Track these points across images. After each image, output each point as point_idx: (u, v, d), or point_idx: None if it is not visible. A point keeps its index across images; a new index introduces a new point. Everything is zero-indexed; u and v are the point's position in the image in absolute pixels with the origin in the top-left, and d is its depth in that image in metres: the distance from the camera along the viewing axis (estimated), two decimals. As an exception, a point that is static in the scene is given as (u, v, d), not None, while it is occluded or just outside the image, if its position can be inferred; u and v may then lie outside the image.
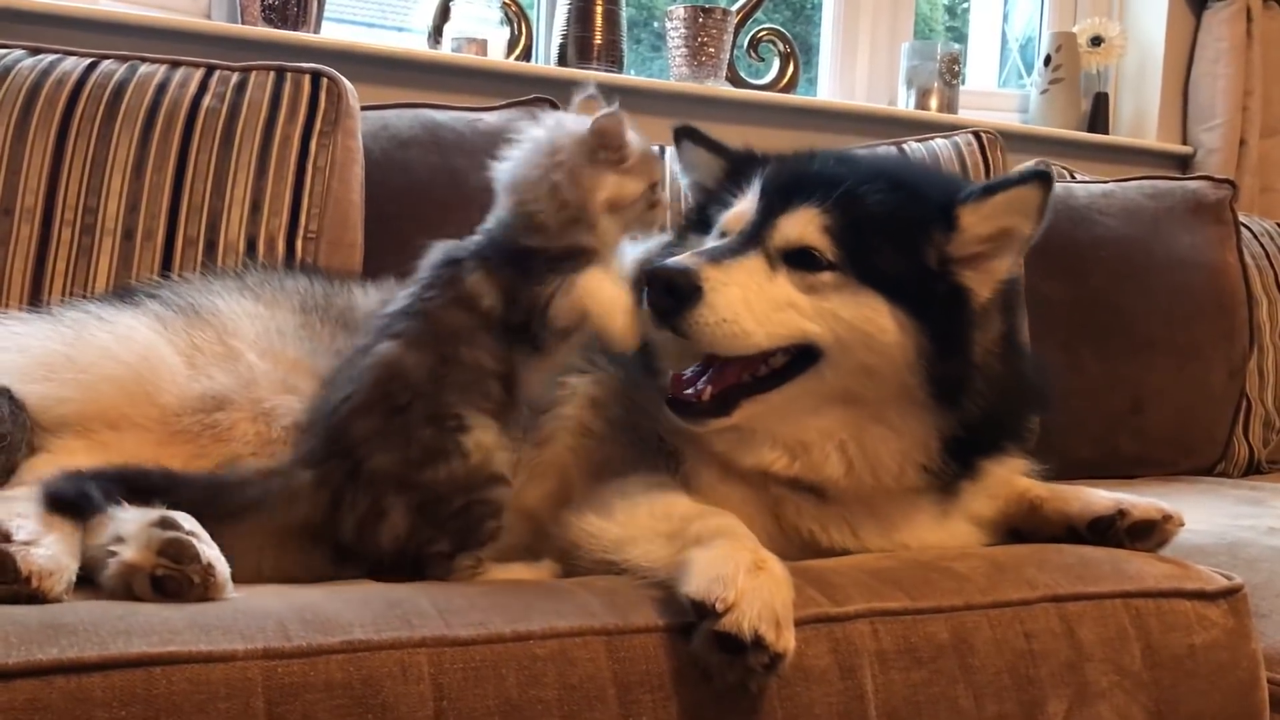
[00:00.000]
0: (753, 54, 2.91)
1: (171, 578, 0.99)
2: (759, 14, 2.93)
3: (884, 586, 1.13)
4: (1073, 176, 2.69)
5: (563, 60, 2.65)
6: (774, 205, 1.26)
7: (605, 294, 1.16)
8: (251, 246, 1.73)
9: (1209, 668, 1.22)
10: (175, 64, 1.84)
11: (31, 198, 1.69)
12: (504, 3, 2.63)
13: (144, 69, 1.81)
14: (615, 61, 2.67)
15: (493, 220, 1.24)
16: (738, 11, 2.84)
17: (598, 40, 2.65)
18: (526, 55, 2.67)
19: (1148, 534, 1.31)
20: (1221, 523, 1.77)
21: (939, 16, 3.78)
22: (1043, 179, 1.26)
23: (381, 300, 1.32)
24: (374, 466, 1.12)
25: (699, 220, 1.40)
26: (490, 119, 2.14)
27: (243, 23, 2.34)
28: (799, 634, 1.00)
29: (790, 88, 2.88)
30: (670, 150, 1.64)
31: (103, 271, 1.69)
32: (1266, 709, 1.25)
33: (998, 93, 3.44)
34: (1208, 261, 2.48)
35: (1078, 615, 1.17)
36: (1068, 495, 1.35)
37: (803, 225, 1.23)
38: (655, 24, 3.18)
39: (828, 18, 3.12)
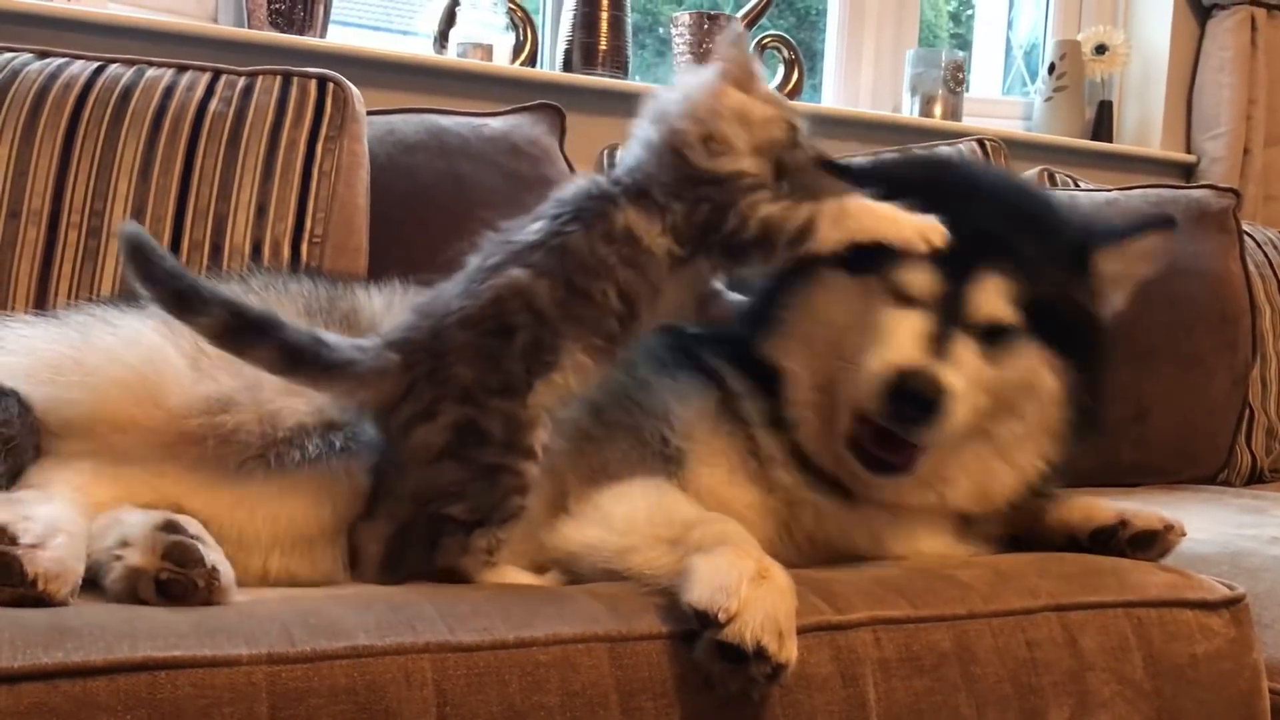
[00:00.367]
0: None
1: (176, 581, 0.99)
2: (764, 20, 2.94)
3: (887, 594, 1.13)
4: (1076, 185, 2.70)
5: (568, 66, 2.66)
6: (958, 271, 1.21)
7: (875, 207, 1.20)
8: (257, 250, 1.73)
9: (1211, 677, 1.22)
10: (182, 68, 1.85)
11: (38, 200, 1.70)
12: (509, 8, 2.63)
13: (151, 73, 1.82)
14: (620, 67, 2.68)
15: (633, 161, 1.25)
16: (743, 18, 2.84)
17: (603, 46, 2.65)
18: (532, 61, 2.68)
19: (1149, 544, 1.31)
20: (1224, 532, 1.77)
21: (943, 24, 3.78)
22: (1170, 226, 1.32)
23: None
24: (453, 373, 1.13)
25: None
26: (495, 124, 2.14)
27: (249, 27, 2.35)
28: (801, 641, 1.00)
29: (795, 94, 2.88)
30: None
31: (108, 275, 1.69)
32: (1268, 719, 1.25)
33: (1002, 100, 3.45)
34: (1211, 270, 2.48)
35: (1080, 624, 1.18)
36: (1069, 505, 1.35)
37: (996, 300, 1.22)
38: (660, 30, 3.18)
39: (832, 24, 3.13)
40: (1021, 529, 1.36)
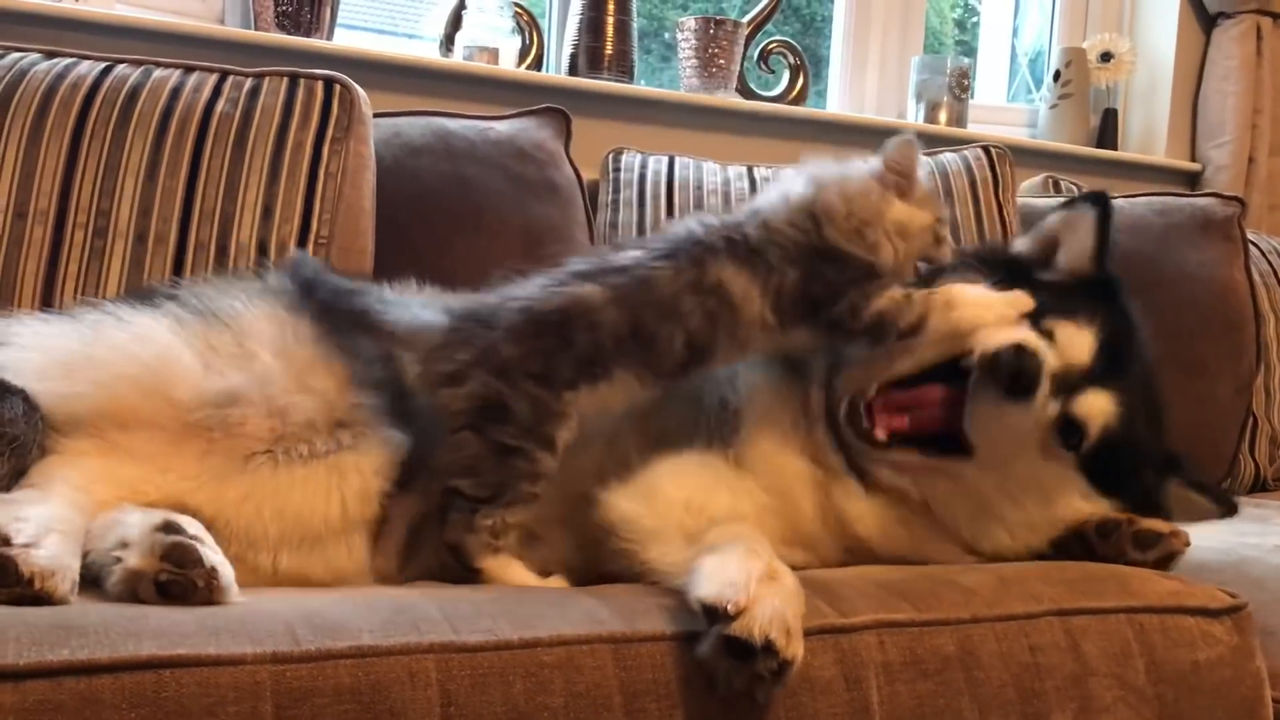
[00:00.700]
0: (763, 66, 2.92)
1: (176, 582, 1.00)
2: (769, 26, 2.94)
3: (891, 598, 1.13)
4: (1080, 192, 2.70)
5: (574, 70, 2.67)
6: (1095, 374, 1.28)
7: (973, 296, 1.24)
8: (263, 251, 1.74)
9: (1213, 684, 1.22)
10: (189, 69, 1.85)
11: (45, 200, 1.70)
12: (516, 12, 2.64)
13: (158, 73, 1.83)
14: (626, 72, 2.68)
15: (766, 209, 1.26)
16: (748, 23, 2.85)
17: (609, 50, 2.66)
18: (538, 65, 2.68)
19: (1152, 544, 1.31)
20: (1227, 540, 1.77)
21: (949, 31, 3.79)
22: (1233, 510, 1.41)
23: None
24: (494, 346, 1.15)
25: (1015, 273, 1.38)
26: (501, 128, 2.15)
27: (256, 29, 2.36)
28: (805, 644, 1.00)
29: (800, 100, 2.89)
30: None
31: (114, 275, 1.70)
32: (1271, 727, 1.26)
33: (1007, 107, 3.45)
34: (1215, 278, 2.48)
35: (1082, 630, 1.18)
36: None
37: (1101, 411, 1.27)
38: (666, 35, 3.19)
39: (838, 31, 3.13)
40: None
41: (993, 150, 2.38)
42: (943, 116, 3.01)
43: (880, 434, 1.24)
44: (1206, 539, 1.69)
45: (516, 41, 2.65)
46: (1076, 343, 1.28)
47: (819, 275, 1.20)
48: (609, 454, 1.26)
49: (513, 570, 1.17)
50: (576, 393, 1.17)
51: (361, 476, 1.22)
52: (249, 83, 1.85)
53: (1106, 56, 3.24)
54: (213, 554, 1.02)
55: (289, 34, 2.35)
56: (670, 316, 1.18)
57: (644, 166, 2.29)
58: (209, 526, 1.16)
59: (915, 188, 1.25)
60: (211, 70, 1.86)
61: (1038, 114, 3.32)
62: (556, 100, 2.25)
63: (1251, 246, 2.59)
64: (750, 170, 2.32)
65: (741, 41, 2.79)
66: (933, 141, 2.67)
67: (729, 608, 0.96)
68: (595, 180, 2.29)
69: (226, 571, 1.01)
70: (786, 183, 1.29)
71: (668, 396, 1.27)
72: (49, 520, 1.03)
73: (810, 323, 1.21)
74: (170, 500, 1.16)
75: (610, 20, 2.66)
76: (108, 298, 1.52)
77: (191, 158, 1.76)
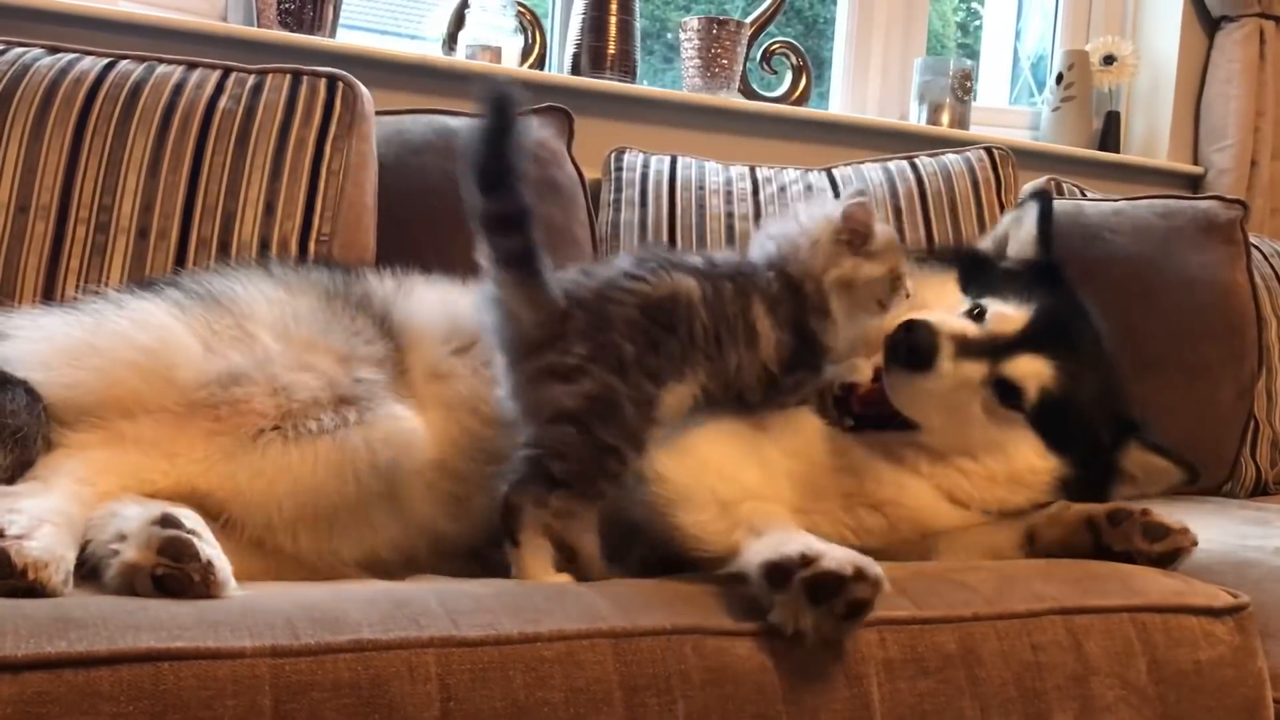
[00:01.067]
0: (765, 67, 2.92)
1: (172, 576, 1.00)
2: (772, 27, 2.94)
3: (892, 595, 1.12)
4: (1083, 194, 2.70)
5: (576, 69, 2.66)
6: (1024, 341, 1.38)
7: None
8: (265, 248, 1.74)
9: (1214, 684, 1.21)
10: (192, 65, 1.85)
11: (47, 195, 1.70)
12: (518, 11, 2.64)
13: (161, 69, 1.83)
14: (628, 71, 2.68)
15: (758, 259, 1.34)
16: (751, 24, 2.85)
17: (611, 50, 2.66)
18: (540, 64, 2.68)
19: (1161, 537, 1.32)
20: (1228, 542, 1.77)
21: (951, 33, 3.79)
22: (1192, 471, 1.48)
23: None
24: (615, 342, 1.17)
25: (973, 265, 1.53)
26: (504, 126, 2.14)
27: (259, 26, 2.36)
28: (806, 645, 1.00)
29: (802, 101, 2.89)
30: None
31: (116, 270, 1.70)
32: (1272, 728, 1.25)
33: (1009, 109, 3.45)
34: (1217, 281, 2.48)
35: (1084, 628, 1.17)
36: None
37: (1035, 373, 1.37)
38: (669, 35, 3.19)
39: (840, 32, 3.13)
40: (1041, 524, 1.38)
41: (995, 151, 2.38)
42: (945, 118, 3.01)
43: (848, 422, 1.35)
44: (1208, 541, 1.69)
45: (519, 41, 2.65)
46: (1008, 316, 1.40)
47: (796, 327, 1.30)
48: None
49: (539, 559, 1.16)
50: (668, 391, 1.21)
51: (370, 451, 1.22)
52: (251, 80, 1.85)
53: (1109, 59, 3.24)
54: (209, 548, 1.02)
55: (291, 31, 2.35)
56: (733, 333, 1.25)
57: (646, 166, 2.28)
58: (220, 510, 1.17)
59: (872, 241, 1.32)
60: (214, 67, 1.86)
61: (1040, 116, 3.32)
62: (559, 100, 2.25)
63: (1253, 250, 2.58)
64: (752, 170, 2.32)
65: (744, 42, 2.80)
66: (935, 143, 2.68)
67: (806, 554, 1.01)
68: (597, 180, 2.29)
69: (223, 566, 1.01)
70: (763, 235, 1.38)
71: None
72: (43, 512, 1.03)
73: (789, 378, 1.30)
74: (180, 486, 1.16)
75: (613, 20, 2.66)
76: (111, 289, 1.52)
77: (194, 154, 1.76)
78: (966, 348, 1.33)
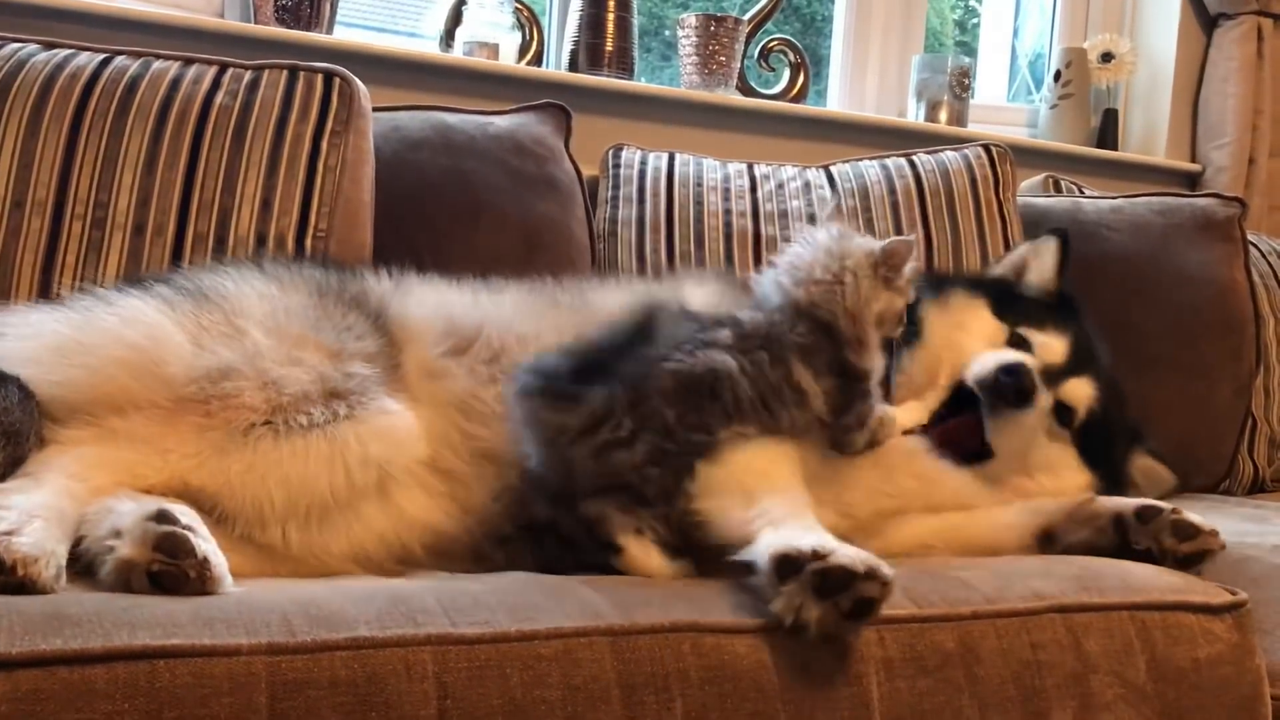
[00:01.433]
0: (763, 64, 2.91)
1: (168, 573, 0.99)
2: (770, 24, 2.94)
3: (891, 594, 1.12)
4: (1081, 191, 2.69)
5: (574, 66, 2.66)
6: (1074, 366, 1.55)
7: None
8: (261, 244, 1.73)
9: (1213, 682, 1.21)
10: (188, 61, 1.85)
11: (43, 191, 1.69)
12: (516, 8, 2.63)
13: (157, 65, 1.82)
14: (626, 68, 2.68)
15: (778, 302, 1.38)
16: (749, 21, 2.84)
17: (609, 47, 2.65)
18: (538, 60, 2.68)
19: (1190, 536, 1.34)
20: (1227, 540, 1.76)
21: (949, 30, 3.78)
22: (1177, 489, 1.62)
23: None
24: (656, 410, 1.22)
25: (1000, 294, 1.65)
26: (501, 123, 2.14)
27: (256, 22, 2.35)
28: (802, 638, 1.00)
29: (800, 98, 2.88)
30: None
31: (112, 266, 1.69)
32: (1270, 725, 1.25)
33: (1007, 107, 3.45)
34: (1215, 279, 2.48)
35: (1084, 626, 1.17)
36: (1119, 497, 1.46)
37: (1085, 395, 1.53)
38: (666, 32, 3.19)
39: (838, 30, 3.13)
40: (1060, 519, 1.41)
41: (993, 149, 2.37)
42: (943, 115, 3.00)
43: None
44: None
45: (517, 37, 2.64)
46: (1052, 346, 1.56)
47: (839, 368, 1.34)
48: None
49: (650, 556, 1.19)
50: (725, 433, 1.24)
51: (361, 444, 1.22)
52: (248, 75, 1.84)
53: (1107, 57, 3.23)
54: (205, 544, 1.01)
55: (289, 28, 2.34)
56: (778, 397, 1.28)
57: (644, 163, 2.28)
58: (212, 505, 1.17)
59: (900, 278, 1.39)
60: (211, 62, 1.85)
61: (1038, 114, 3.32)
62: (556, 96, 2.24)
63: (1251, 248, 2.58)
64: (750, 168, 2.31)
65: (742, 39, 2.79)
66: (933, 140, 2.68)
67: (818, 548, 1.02)
68: (595, 177, 2.28)
69: (219, 562, 1.01)
70: (778, 273, 1.41)
71: None
72: (33, 508, 1.02)
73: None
74: (172, 482, 1.16)
75: (611, 17, 2.65)
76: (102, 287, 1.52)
77: (190, 150, 1.76)
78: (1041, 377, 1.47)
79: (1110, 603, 1.20)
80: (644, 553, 1.18)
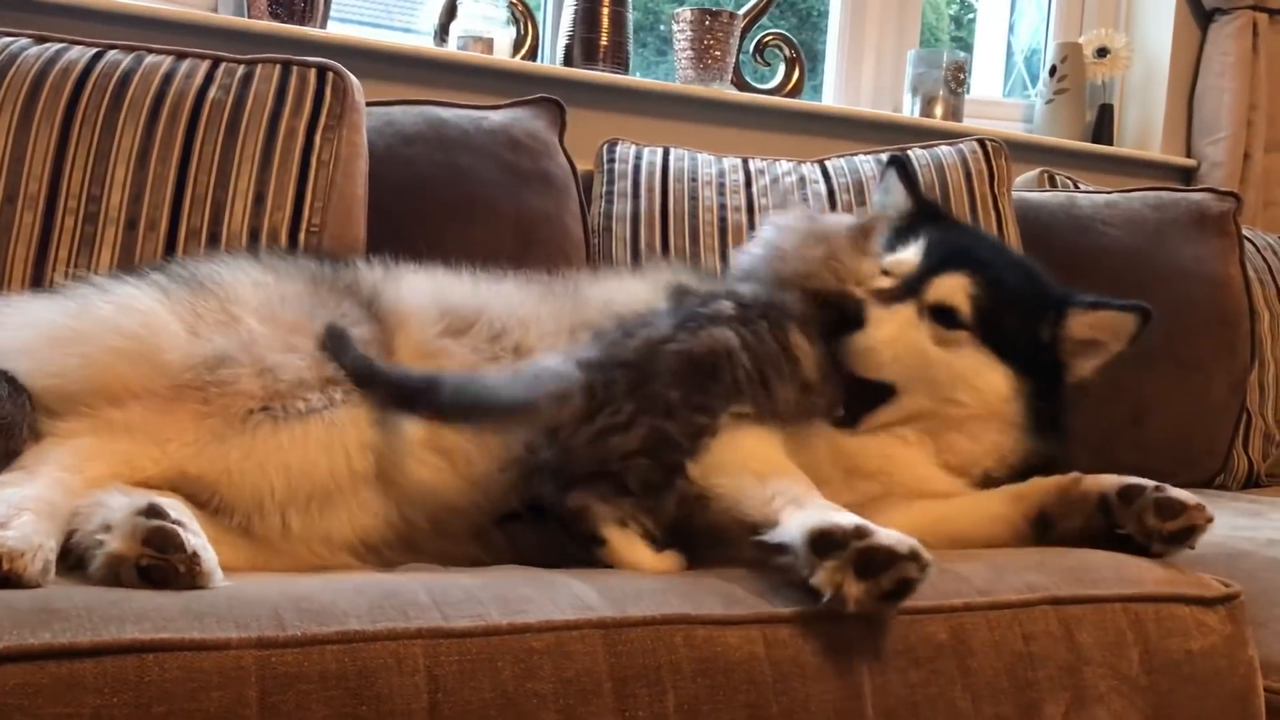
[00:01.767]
0: (759, 58, 2.91)
1: (157, 567, 0.99)
2: (765, 19, 2.93)
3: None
4: (1076, 186, 2.69)
5: (568, 61, 2.65)
6: (933, 266, 1.46)
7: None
8: (254, 238, 1.72)
9: (1206, 674, 1.21)
10: (181, 55, 1.84)
11: (35, 185, 1.69)
12: (510, 2, 2.63)
13: (150, 59, 1.81)
14: (621, 63, 2.67)
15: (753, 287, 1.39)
16: (744, 16, 2.84)
17: (604, 42, 2.65)
18: (532, 55, 2.67)
19: (1175, 514, 1.28)
20: (1221, 534, 1.76)
21: (945, 26, 3.78)
22: (1142, 313, 1.48)
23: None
24: (658, 391, 1.21)
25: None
26: (496, 117, 2.14)
27: (249, 16, 2.34)
28: (796, 630, 1.00)
29: (795, 93, 2.88)
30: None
31: (105, 261, 1.68)
32: (1262, 716, 1.25)
33: (1003, 102, 3.45)
34: (1210, 274, 2.48)
35: (1077, 618, 1.17)
36: (1105, 475, 1.38)
37: (956, 287, 1.44)
38: (661, 27, 3.18)
39: (834, 24, 3.13)
40: (1052, 501, 1.37)
41: (988, 144, 2.37)
42: (938, 110, 3.00)
43: (838, 412, 1.40)
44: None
45: (511, 32, 2.63)
46: (902, 260, 1.48)
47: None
48: None
49: (635, 548, 1.18)
50: (719, 420, 1.24)
51: (359, 429, 1.22)
52: (241, 69, 1.84)
53: (1103, 52, 3.23)
54: (195, 539, 1.01)
55: (282, 22, 2.33)
56: (777, 368, 1.30)
57: (639, 158, 2.27)
58: (211, 494, 1.16)
59: (873, 247, 1.45)
60: (204, 56, 1.85)
61: (1034, 109, 3.31)
62: (551, 91, 2.24)
63: (1246, 242, 2.58)
64: (745, 162, 2.31)
65: (737, 34, 2.79)
66: (928, 135, 2.67)
67: (860, 528, 1.03)
68: (589, 171, 2.28)
69: (209, 556, 1.01)
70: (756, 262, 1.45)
71: None
72: (23, 500, 1.02)
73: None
74: (169, 472, 1.15)
75: (605, 11, 2.65)
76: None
77: (183, 144, 1.75)
78: (886, 295, 1.42)
79: (1103, 595, 1.20)
80: (628, 545, 1.17)
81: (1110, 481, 1.33)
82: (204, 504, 1.18)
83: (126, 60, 1.80)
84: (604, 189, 2.25)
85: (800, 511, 1.11)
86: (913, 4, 3.16)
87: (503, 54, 2.58)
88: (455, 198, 2.01)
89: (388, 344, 1.34)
